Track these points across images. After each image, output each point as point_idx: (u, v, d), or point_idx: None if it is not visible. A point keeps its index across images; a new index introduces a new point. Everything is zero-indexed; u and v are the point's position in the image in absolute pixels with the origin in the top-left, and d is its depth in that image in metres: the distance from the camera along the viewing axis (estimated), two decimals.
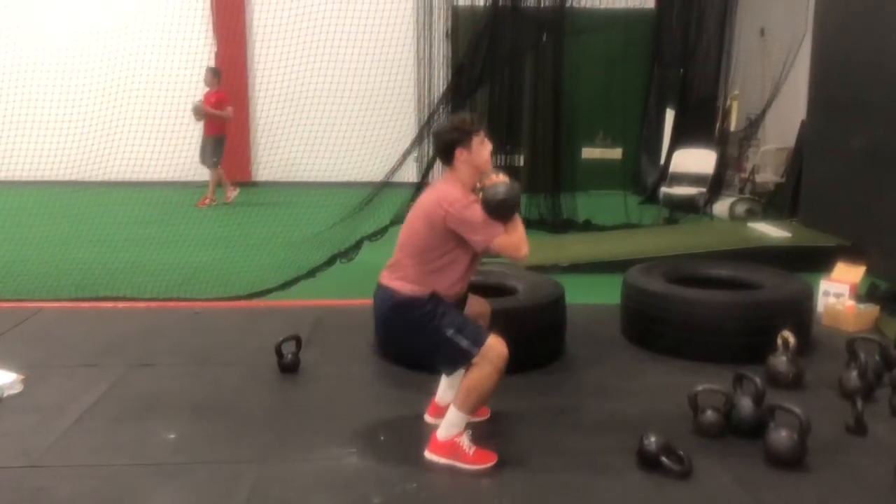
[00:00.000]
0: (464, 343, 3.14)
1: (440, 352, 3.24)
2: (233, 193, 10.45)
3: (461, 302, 3.43)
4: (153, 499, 3.01)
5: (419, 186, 8.01)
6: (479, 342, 3.14)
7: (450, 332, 3.16)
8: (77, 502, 2.98)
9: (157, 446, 3.41)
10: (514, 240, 3.20)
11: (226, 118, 10.31)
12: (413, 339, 3.36)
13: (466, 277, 3.35)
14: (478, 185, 3.28)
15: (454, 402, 3.23)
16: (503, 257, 3.31)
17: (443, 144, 3.31)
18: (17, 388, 3.92)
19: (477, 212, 3.17)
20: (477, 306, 3.52)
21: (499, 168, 3.32)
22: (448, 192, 3.22)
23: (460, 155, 3.24)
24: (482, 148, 3.26)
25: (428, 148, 8.51)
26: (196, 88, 9.79)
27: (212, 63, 11.38)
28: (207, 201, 10.31)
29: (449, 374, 3.35)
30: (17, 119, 8.16)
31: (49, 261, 6.46)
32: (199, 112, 10.13)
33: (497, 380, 3.15)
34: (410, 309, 3.22)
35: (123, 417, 3.69)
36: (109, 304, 5.60)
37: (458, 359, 3.18)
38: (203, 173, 10.50)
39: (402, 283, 3.24)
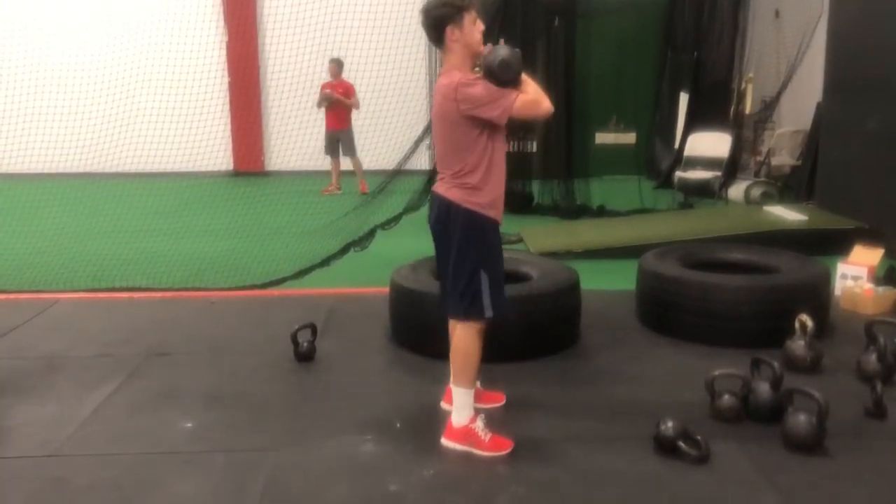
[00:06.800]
0: (485, 300, 3.10)
1: (461, 284, 3.13)
2: (333, 186, 10.50)
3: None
4: (171, 487, 3.02)
5: (430, 178, 8.01)
6: (496, 309, 3.10)
7: (484, 283, 3.10)
8: (96, 491, 3.00)
9: (174, 435, 3.44)
10: (531, 96, 3.05)
11: (351, 106, 10.36)
12: (453, 250, 3.16)
13: (504, 172, 3.20)
14: (475, 67, 3.11)
15: (452, 382, 3.26)
16: (528, 120, 3.12)
17: (432, 21, 3.07)
18: None
19: (484, 87, 3.01)
20: None
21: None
22: (449, 81, 3.05)
23: (451, 34, 3.05)
24: (474, 28, 3.07)
25: None
26: (208, 78, 9.78)
27: (223, 52, 11.40)
28: (363, 187, 10.25)
29: (447, 311, 3.27)
30: (31, 112, 8.20)
31: (65, 252, 6.50)
32: (326, 100, 10.26)
33: (480, 341, 3.17)
34: (462, 216, 3.10)
35: (141, 407, 3.71)
36: (125, 295, 5.62)
37: (468, 307, 3.12)
38: (217, 163, 10.53)
39: (453, 192, 3.11)
